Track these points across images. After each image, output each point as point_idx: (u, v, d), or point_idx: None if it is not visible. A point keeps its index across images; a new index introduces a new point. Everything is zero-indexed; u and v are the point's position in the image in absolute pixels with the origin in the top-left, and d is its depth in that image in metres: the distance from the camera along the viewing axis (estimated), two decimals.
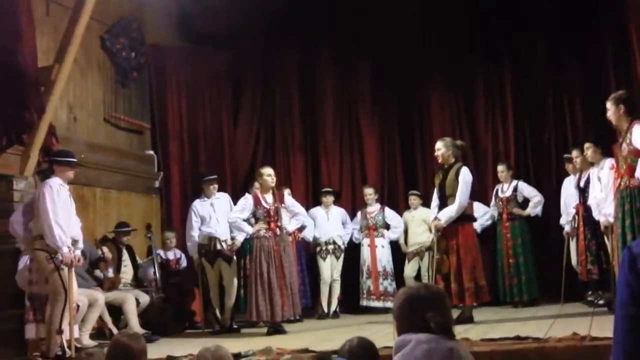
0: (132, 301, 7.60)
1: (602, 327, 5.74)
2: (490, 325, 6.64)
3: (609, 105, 5.83)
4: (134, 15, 9.60)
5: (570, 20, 9.47)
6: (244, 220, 7.77)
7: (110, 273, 7.71)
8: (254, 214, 7.76)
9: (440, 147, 7.25)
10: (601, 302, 7.60)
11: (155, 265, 8.42)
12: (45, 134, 7.34)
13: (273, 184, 7.70)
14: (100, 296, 7.12)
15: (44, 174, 6.49)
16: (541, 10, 9.62)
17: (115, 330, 7.32)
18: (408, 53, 10.27)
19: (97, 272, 7.68)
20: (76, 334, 6.33)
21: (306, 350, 5.57)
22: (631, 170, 5.58)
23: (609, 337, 5.15)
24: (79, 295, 6.55)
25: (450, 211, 7.01)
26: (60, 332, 5.96)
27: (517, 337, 5.44)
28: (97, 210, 8.57)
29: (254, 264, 7.51)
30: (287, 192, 8.46)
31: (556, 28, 9.64)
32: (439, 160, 7.33)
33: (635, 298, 1.61)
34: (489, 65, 10.08)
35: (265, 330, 7.53)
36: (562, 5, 9.50)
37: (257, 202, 7.68)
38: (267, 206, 7.62)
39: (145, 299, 8.00)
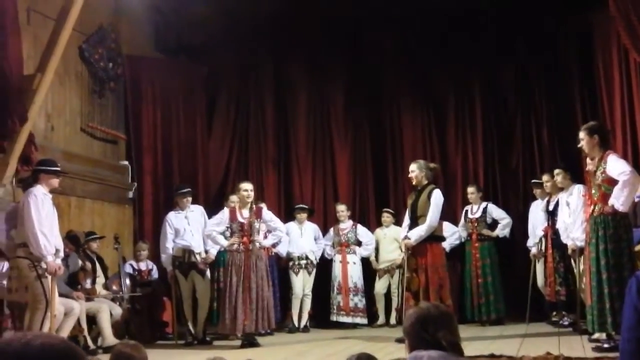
0: (107, 311, 7.61)
1: (570, 347, 5.99)
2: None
3: (583, 135, 6.01)
4: (112, 25, 9.64)
5: (540, 48, 9.79)
6: (220, 234, 7.90)
7: (88, 284, 7.71)
8: (229, 228, 7.90)
9: (414, 169, 7.46)
10: (565, 322, 7.87)
11: (122, 277, 8.41)
12: (24, 142, 7.35)
13: (250, 200, 7.80)
14: (76, 305, 7.09)
15: (26, 183, 6.49)
16: (512, 38, 9.92)
17: (89, 339, 7.34)
18: (382, 73, 10.50)
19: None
20: None
21: None
22: (605, 198, 5.80)
23: (580, 357, 5.38)
24: (57, 304, 6.55)
25: (420, 230, 7.24)
26: None
27: (492, 355, 5.65)
28: (71, 219, 8.55)
29: (225, 277, 7.68)
30: (264, 207, 8.55)
31: (526, 55, 9.95)
32: (413, 182, 7.52)
33: None
34: (461, 87, 10.32)
35: (238, 343, 7.62)
36: (533, 33, 9.80)
37: (233, 217, 7.80)
38: (242, 220, 7.75)
39: (117, 311, 8.00)
